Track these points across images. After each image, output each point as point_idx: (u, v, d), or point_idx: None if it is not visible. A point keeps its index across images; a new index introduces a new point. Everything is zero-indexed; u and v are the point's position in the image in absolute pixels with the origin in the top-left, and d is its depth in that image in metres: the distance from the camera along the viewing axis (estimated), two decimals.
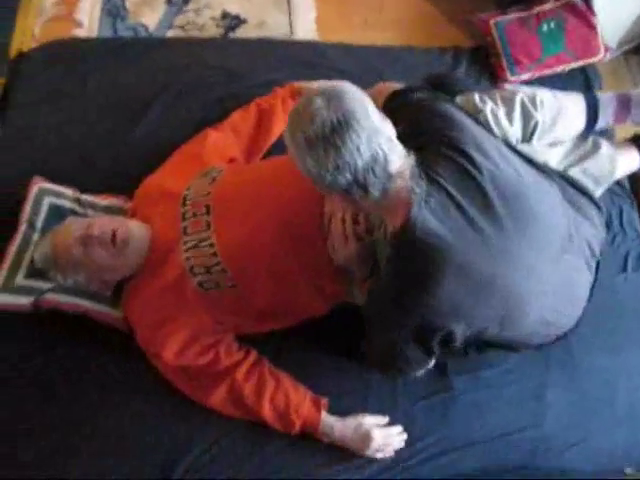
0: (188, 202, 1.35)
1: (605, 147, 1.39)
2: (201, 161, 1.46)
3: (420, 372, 1.21)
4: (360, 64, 1.86)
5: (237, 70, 1.82)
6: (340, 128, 0.92)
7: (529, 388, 1.42)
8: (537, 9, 1.85)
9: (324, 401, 1.33)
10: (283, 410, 1.29)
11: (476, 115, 1.25)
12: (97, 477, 1.30)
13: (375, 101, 1.26)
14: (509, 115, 1.28)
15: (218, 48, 1.87)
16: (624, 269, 1.57)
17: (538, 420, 1.39)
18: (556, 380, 1.43)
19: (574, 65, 1.85)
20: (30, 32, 1.96)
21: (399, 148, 1.00)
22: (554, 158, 1.36)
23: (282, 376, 1.33)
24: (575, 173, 1.36)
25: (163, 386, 1.34)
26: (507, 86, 1.32)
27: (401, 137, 1.02)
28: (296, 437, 1.31)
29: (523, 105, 1.28)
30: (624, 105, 1.39)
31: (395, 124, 1.03)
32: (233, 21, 2.00)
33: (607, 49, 1.86)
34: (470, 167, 1.03)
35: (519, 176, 1.10)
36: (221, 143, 1.53)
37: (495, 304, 1.06)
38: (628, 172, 1.50)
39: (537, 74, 1.84)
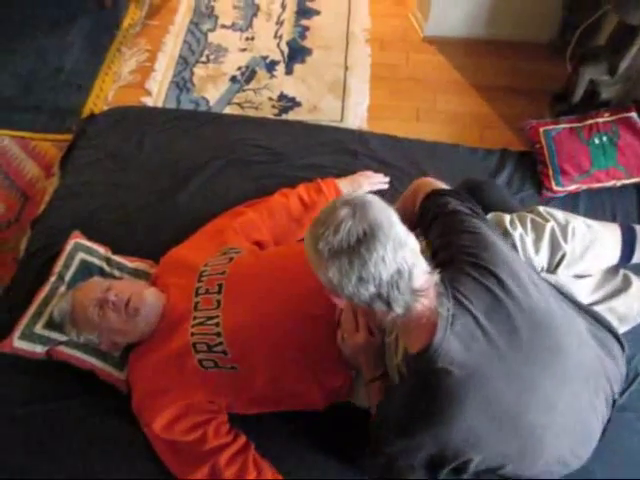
0: (204, 278, 1.41)
1: (635, 286, 1.32)
2: (225, 238, 1.53)
3: None
4: (403, 157, 1.90)
5: (281, 150, 1.92)
6: (366, 239, 0.90)
7: None
8: (590, 121, 1.83)
9: None
10: None
11: (505, 236, 1.23)
12: None
13: (414, 195, 1.29)
14: (537, 244, 1.24)
15: (268, 128, 1.98)
16: None
17: None
18: None
19: (626, 181, 1.80)
20: (104, 96, 2.16)
21: (423, 263, 0.96)
22: (581, 291, 1.30)
23: (266, 468, 1.32)
24: (601, 310, 1.30)
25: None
26: (542, 209, 1.29)
27: (429, 248, 1.01)
28: None
29: (553, 234, 1.24)
30: None
31: (426, 231, 1.02)
32: (288, 103, 2.12)
33: None
34: (499, 291, 1.00)
35: (548, 305, 1.07)
36: (251, 224, 1.59)
37: (512, 439, 1.02)
38: None
39: (584, 186, 1.80)
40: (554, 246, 1.23)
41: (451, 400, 0.95)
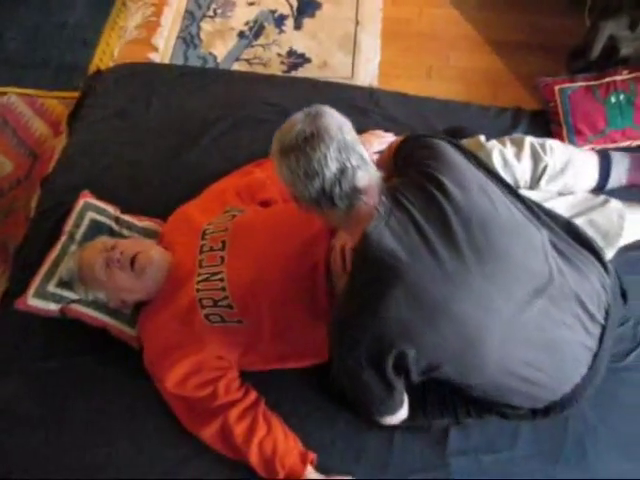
0: (207, 236, 1.44)
1: (615, 202, 1.37)
2: (228, 199, 1.55)
3: (392, 419, 1.21)
4: (414, 115, 1.87)
5: (291, 109, 1.87)
6: (312, 139, 1.02)
7: None
8: (608, 79, 1.79)
9: (312, 456, 1.33)
10: (269, 457, 1.31)
11: (478, 152, 1.28)
12: None
13: (389, 149, 1.34)
14: (518, 155, 1.32)
15: (277, 85, 1.96)
16: None
17: None
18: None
19: None
20: (111, 51, 2.13)
21: (372, 169, 1.07)
22: (562, 206, 1.34)
23: (275, 423, 1.35)
24: (581, 223, 1.33)
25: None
26: (516, 134, 1.37)
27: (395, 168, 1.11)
28: None
29: (533, 147, 1.33)
30: (638, 164, 1.37)
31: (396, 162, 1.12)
32: (298, 59, 2.08)
33: None
34: (438, 193, 1.07)
35: (495, 211, 1.10)
36: (257, 184, 1.60)
37: (447, 333, 1.04)
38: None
39: (598, 147, 1.77)
40: (535, 158, 1.32)
41: (380, 288, 1.02)
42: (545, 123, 1.84)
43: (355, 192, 1.04)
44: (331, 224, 1.22)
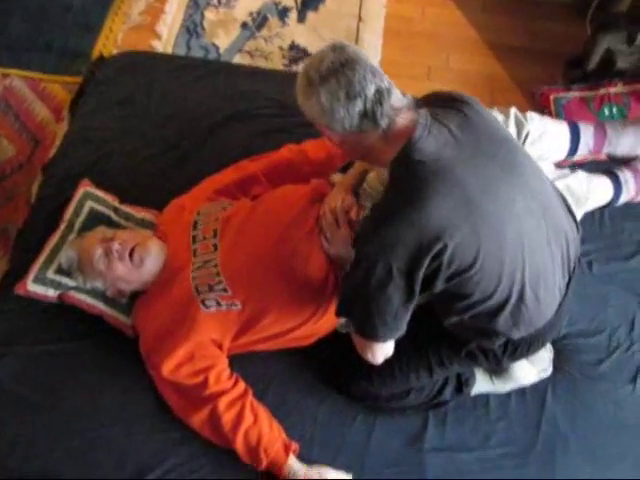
0: (199, 226, 1.52)
1: (581, 171, 1.57)
2: (219, 192, 1.63)
3: (382, 348, 1.26)
4: None
5: (290, 104, 1.93)
6: (347, 63, 1.09)
7: None
8: (602, 91, 1.85)
9: (295, 446, 1.42)
10: (254, 446, 1.39)
11: None
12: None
13: None
14: (505, 122, 1.49)
15: (278, 80, 2.00)
16: (634, 380, 1.56)
17: None
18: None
19: None
20: (114, 37, 2.17)
21: (398, 92, 1.14)
22: (545, 169, 1.44)
23: (262, 413, 1.43)
24: (560, 188, 1.45)
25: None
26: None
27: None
28: None
29: (516, 116, 1.50)
30: (600, 128, 1.58)
31: None
32: (299, 53, 2.12)
33: None
34: (468, 112, 1.19)
35: (513, 140, 1.27)
36: (251, 180, 1.67)
37: (477, 228, 1.12)
38: (602, 203, 1.65)
39: (590, 158, 1.83)
40: (519, 125, 1.49)
41: (425, 186, 1.10)
42: None
43: (394, 110, 1.11)
44: (361, 151, 1.23)
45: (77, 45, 2.15)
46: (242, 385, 1.46)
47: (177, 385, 1.43)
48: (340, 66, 1.09)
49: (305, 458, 1.43)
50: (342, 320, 1.32)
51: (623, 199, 1.67)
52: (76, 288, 1.54)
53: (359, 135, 1.14)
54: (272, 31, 2.17)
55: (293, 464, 1.40)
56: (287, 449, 1.41)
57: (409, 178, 1.13)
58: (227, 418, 1.40)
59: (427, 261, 1.11)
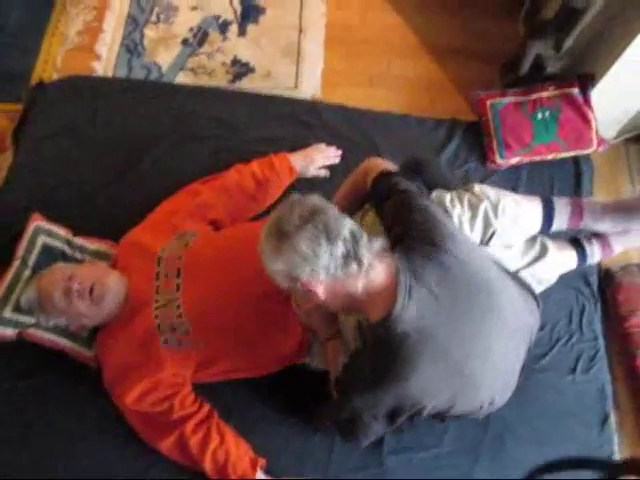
0: (162, 263, 1.56)
1: (551, 253, 1.56)
2: (180, 221, 1.66)
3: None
4: (355, 128, 2.02)
5: (235, 123, 2.00)
6: (316, 211, 1.13)
7: (458, 474, 1.59)
8: (535, 95, 1.95)
9: (262, 461, 1.52)
10: (222, 465, 1.48)
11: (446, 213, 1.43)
12: None
13: (364, 174, 1.48)
14: (472, 221, 1.44)
15: (221, 99, 2.05)
16: (574, 370, 1.72)
17: None
18: (485, 469, 1.59)
19: (564, 155, 1.96)
20: (52, 60, 2.16)
21: (366, 235, 1.18)
22: (508, 260, 1.52)
23: (228, 433, 1.52)
24: (525, 275, 1.54)
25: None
26: (477, 188, 1.46)
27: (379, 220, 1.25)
28: None
29: (486, 214, 1.44)
30: (577, 211, 1.54)
31: (377, 207, 1.27)
32: (242, 68, 2.16)
33: (602, 142, 1.96)
34: (447, 261, 1.21)
35: (487, 272, 1.30)
36: (206, 205, 1.72)
37: (459, 384, 1.24)
38: (566, 271, 1.66)
39: (526, 160, 1.96)
40: (486, 224, 1.44)
41: (409, 360, 1.15)
42: (479, 134, 2.02)
43: (371, 251, 1.15)
44: (342, 299, 1.20)
45: (14, 69, 2.13)
46: (206, 407, 1.54)
47: (143, 414, 1.51)
48: (310, 215, 1.12)
49: (274, 469, 1.53)
50: (307, 358, 1.50)
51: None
52: (36, 325, 1.58)
53: (344, 280, 1.15)
54: (214, 46, 2.20)
55: (260, 478, 1.50)
56: (254, 464, 1.50)
57: (393, 350, 1.15)
58: (194, 441, 1.48)
59: (408, 414, 1.24)
